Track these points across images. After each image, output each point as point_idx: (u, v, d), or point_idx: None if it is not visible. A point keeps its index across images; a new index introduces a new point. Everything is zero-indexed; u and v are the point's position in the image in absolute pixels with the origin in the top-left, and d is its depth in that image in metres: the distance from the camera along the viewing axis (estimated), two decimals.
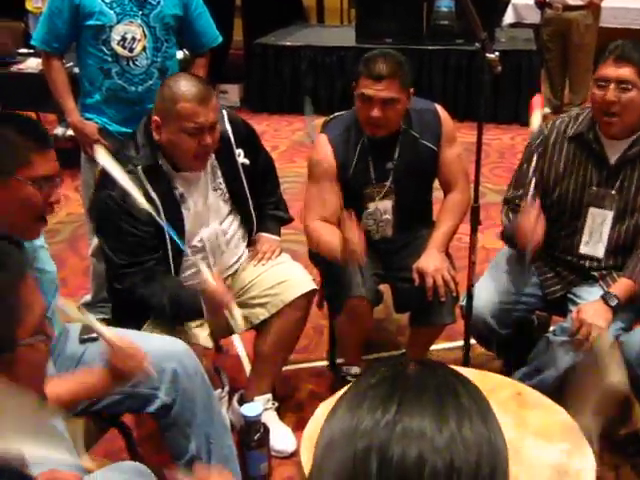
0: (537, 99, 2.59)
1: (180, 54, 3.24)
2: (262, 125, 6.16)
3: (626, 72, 2.27)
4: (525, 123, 6.06)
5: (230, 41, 6.84)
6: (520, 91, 6.14)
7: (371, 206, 2.64)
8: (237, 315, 2.30)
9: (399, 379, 0.74)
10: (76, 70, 3.11)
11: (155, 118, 2.27)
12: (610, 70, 2.28)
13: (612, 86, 2.28)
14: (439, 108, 2.68)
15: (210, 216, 2.45)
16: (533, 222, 2.34)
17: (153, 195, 2.25)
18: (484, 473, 0.68)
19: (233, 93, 6.89)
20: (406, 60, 2.52)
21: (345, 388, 0.78)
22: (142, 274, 2.27)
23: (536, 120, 2.50)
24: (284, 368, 2.74)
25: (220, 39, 3.18)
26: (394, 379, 0.74)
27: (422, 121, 2.60)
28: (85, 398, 1.89)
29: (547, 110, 6.25)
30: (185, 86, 2.22)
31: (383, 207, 2.65)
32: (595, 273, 2.48)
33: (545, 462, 1.72)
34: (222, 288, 2.27)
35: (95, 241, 2.92)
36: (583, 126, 2.44)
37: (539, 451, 1.75)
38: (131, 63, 2.88)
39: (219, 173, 2.46)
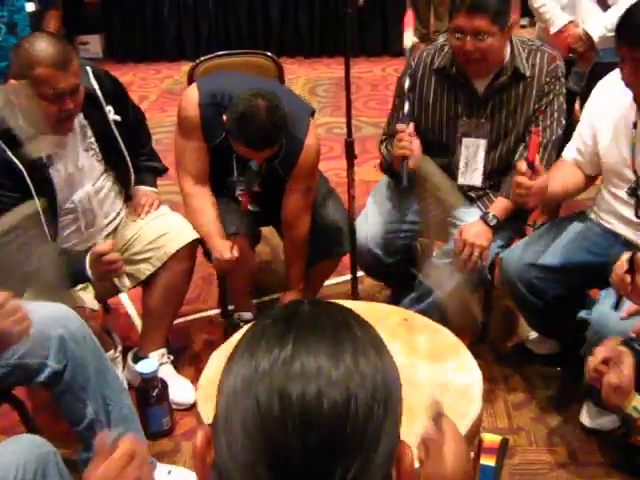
0: (408, 19, 2.57)
1: (30, 6, 3.05)
2: (129, 75, 5.96)
3: (480, 23, 2.24)
4: (395, 54, 6.15)
5: None
6: (387, 22, 6.17)
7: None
8: (125, 280, 2.35)
9: (293, 318, 0.75)
10: None
11: (12, 82, 2.14)
12: (464, 21, 2.26)
13: (469, 37, 2.27)
14: (308, 143, 2.49)
15: (84, 178, 2.37)
16: (409, 139, 2.35)
17: (15, 160, 2.15)
18: (379, 400, 0.71)
19: (94, 44, 6.59)
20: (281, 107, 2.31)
21: (241, 334, 0.79)
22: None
23: (407, 39, 2.50)
24: (177, 320, 2.72)
25: None
26: (288, 319, 0.75)
27: (286, 145, 2.45)
28: None
29: (415, 39, 6.33)
30: (42, 49, 2.06)
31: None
32: (473, 194, 2.56)
33: (434, 381, 1.78)
34: (114, 255, 2.22)
35: None
36: (446, 60, 2.46)
37: (429, 372, 1.82)
38: None
39: (90, 133, 2.36)
